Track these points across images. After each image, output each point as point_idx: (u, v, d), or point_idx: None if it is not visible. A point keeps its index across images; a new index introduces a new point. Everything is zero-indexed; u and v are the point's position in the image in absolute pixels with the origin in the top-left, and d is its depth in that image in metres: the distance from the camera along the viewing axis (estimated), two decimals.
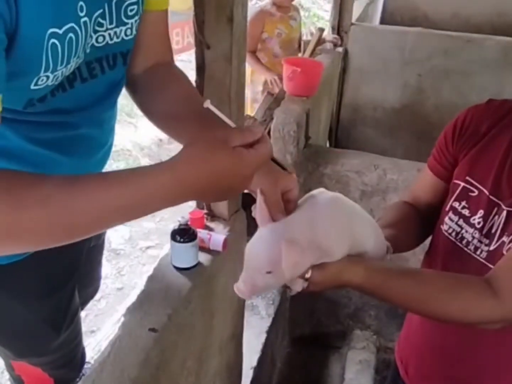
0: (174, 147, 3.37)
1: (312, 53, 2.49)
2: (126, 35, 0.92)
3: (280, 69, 2.79)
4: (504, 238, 0.97)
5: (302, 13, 3.66)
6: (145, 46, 0.97)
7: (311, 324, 2.56)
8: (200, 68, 1.16)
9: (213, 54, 1.13)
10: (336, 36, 3.35)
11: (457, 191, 1.08)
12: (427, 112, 3.67)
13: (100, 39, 0.87)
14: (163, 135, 3.80)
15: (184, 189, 0.64)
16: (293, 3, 3.25)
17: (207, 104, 0.71)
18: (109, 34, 0.88)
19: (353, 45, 3.64)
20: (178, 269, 1.15)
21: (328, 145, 3.76)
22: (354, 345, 2.44)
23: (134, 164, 3.57)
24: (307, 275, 0.79)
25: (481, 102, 1.12)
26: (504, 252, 0.95)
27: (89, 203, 0.60)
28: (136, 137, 3.84)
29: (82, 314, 2.55)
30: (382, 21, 5.60)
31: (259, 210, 0.77)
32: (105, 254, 3.07)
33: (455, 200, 1.08)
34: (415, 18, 5.47)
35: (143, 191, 0.62)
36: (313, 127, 2.36)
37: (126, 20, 0.90)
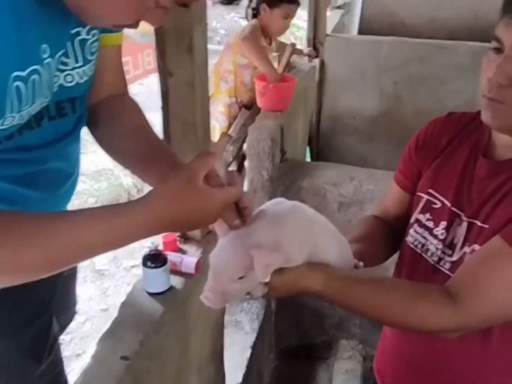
0: None
1: (286, 68, 2.52)
2: (91, 71, 0.94)
3: (244, 96, 2.77)
4: (466, 249, 0.99)
5: None
6: (99, 80, 0.98)
7: (297, 336, 2.58)
8: (165, 95, 1.19)
9: (176, 81, 1.16)
10: (310, 49, 3.39)
11: (421, 204, 1.10)
12: (405, 119, 3.72)
13: (69, 78, 0.89)
14: None
15: (159, 225, 0.73)
16: None
17: None
18: (78, 73, 0.90)
19: (329, 56, 3.70)
20: (151, 294, 1.16)
21: (309, 155, 3.80)
22: (340, 355, 2.45)
23: (116, 184, 3.58)
24: (266, 280, 0.81)
25: (442, 115, 1.15)
26: None
27: (72, 240, 0.67)
28: None
29: (67, 338, 2.55)
30: (360, 30, 5.67)
31: (216, 222, 0.80)
32: (89, 275, 3.08)
33: (419, 212, 1.10)
34: (392, 25, 5.54)
35: (123, 228, 0.70)
36: (289, 141, 2.39)
37: (90, 57, 0.92)
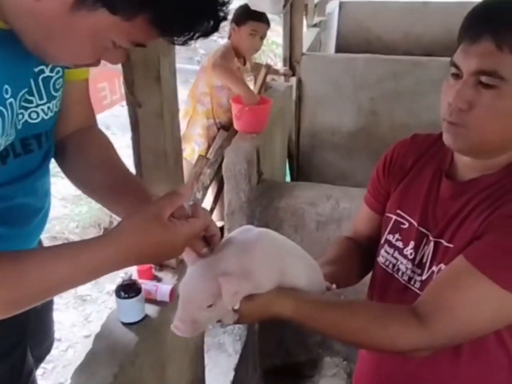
0: None
1: (261, 89, 2.55)
2: (56, 107, 0.95)
3: (222, 117, 2.79)
4: (434, 268, 1.01)
5: None
6: (66, 114, 0.99)
7: (281, 355, 2.57)
8: (134, 125, 1.20)
9: (145, 112, 1.17)
10: (286, 68, 3.43)
11: (390, 225, 1.12)
12: (382, 133, 3.78)
13: (34, 115, 0.89)
14: None
15: (127, 258, 0.75)
16: None
17: None
18: (43, 110, 0.91)
19: (306, 74, 3.75)
20: (125, 324, 1.16)
21: (289, 172, 3.83)
22: (325, 373, 2.45)
23: (97, 207, 3.55)
24: (236, 307, 0.82)
25: (407, 137, 1.18)
26: None
27: (40, 278, 0.68)
28: None
29: (49, 366, 2.51)
30: (338, 46, 5.77)
31: (185, 251, 0.81)
32: (71, 301, 3.05)
33: (389, 233, 1.12)
34: (368, 41, 5.67)
35: (90, 263, 0.72)
36: (266, 162, 2.41)
37: (55, 94, 0.93)
